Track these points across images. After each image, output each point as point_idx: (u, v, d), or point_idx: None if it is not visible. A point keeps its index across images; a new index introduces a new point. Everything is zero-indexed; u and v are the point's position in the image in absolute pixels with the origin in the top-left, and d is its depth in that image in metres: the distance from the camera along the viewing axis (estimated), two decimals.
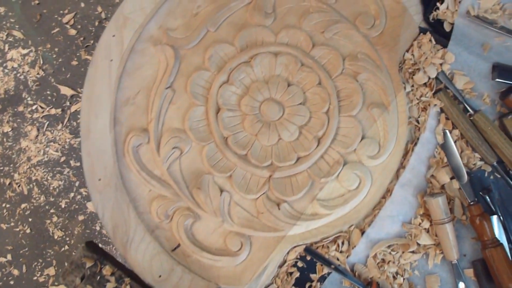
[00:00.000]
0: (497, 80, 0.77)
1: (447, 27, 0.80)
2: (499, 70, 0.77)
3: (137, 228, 0.73)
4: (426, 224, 0.75)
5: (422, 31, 0.80)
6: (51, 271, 1.65)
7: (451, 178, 0.76)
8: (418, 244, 0.74)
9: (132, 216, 0.74)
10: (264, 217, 0.73)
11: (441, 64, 0.78)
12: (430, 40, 0.79)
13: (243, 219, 0.74)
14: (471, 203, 0.74)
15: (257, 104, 0.76)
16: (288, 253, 0.74)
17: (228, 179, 0.75)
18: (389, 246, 0.74)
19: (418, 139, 0.77)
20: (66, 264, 1.51)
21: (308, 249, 0.74)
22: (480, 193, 0.76)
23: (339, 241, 0.74)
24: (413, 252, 0.74)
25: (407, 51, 0.79)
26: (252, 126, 0.75)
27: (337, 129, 0.76)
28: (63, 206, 1.61)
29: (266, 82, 0.77)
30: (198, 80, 0.76)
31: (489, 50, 0.79)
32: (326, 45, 0.78)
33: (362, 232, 0.75)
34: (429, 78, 0.78)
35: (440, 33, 0.79)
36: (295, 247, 0.73)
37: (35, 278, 1.44)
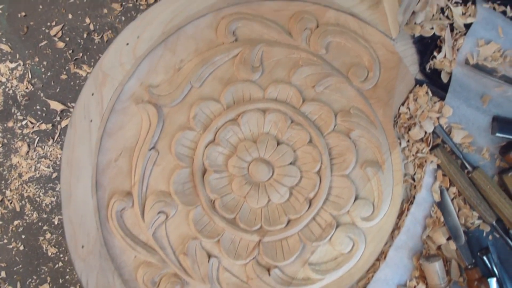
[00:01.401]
0: (497, 134, 0.73)
1: (444, 78, 0.76)
2: (499, 124, 0.73)
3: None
4: (421, 287, 0.72)
5: (418, 83, 0.75)
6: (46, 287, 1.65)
7: (448, 239, 0.73)
8: None
9: (117, 284, 0.72)
10: (254, 283, 0.71)
11: (438, 118, 0.74)
12: (427, 93, 0.75)
13: (233, 285, 0.72)
14: (469, 266, 0.71)
15: (245, 164, 0.73)
16: None
17: (216, 244, 0.72)
18: None
19: (414, 198, 0.74)
20: (60, 280, 1.50)
21: None
22: (478, 253, 0.73)
23: None
24: None
25: (403, 104, 0.75)
26: (240, 188, 0.72)
27: (329, 189, 0.73)
28: (56, 222, 1.60)
29: (255, 141, 0.73)
30: (183, 140, 0.73)
31: (489, 102, 0.75)
32: (317, 100, 0.74)
33: None
34: (426, 133, 0.74)
35: (437, 85, 0.75)
36: None
37: None
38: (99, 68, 0.73)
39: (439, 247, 0.74)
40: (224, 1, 0.74)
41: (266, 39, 0.75)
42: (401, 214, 0.75)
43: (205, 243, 0.72)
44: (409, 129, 0.75)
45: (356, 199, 0.73)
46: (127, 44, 0.73)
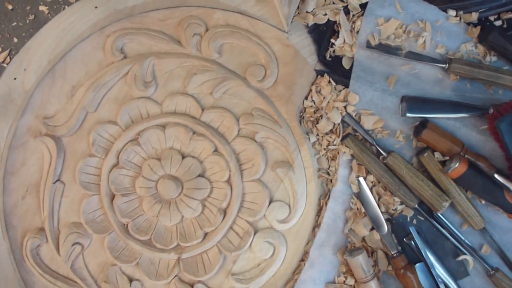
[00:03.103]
0: (408, 115, 0.70)
1: (346, 64, 0.72)
2: (408, 103, 0.70)
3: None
4: (350, 281, 0.71)
5: (320, 73, 0.72)
6: None
7: (371, 229, 0.71)
8: None
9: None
10: None
11: (345, 107, 0.71)
12: (329, 82, 0.72)
13: None
14: (394, 254, 0.69)
15: (153, 184, 0.71)
16: None
17: (136, 267, 0.71)
18: None
19: (330, 192, 0.71)
20: None
21: None
22: (404, 239, 0.71)
23: None
24: None
25: (306, 98, 0.72)
26: (151, 208, 0.70)
27: (243, 196, 0.71)
28: None
29: (158, 158, 0.71)
30: (86, 168, 0.71)
31: (395, 82, 0.71)
32: (217, 107, 0.71)
33: None
34: (334, 124, 0.71)
35: (340, 73, 0.72)
36: None
37: None
38: None
39: (363, 239, 0.72)
40: (105, 19, 0.71)
41: (155, 51, 0.72)
42: (319, 211, 0.72)
43: (125, 267, 0.71)
44: (317, 122, 0.72)
45: (270, 202, 0.71)
46: (15, 78, 0.71)
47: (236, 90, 0.71)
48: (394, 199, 0.71)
